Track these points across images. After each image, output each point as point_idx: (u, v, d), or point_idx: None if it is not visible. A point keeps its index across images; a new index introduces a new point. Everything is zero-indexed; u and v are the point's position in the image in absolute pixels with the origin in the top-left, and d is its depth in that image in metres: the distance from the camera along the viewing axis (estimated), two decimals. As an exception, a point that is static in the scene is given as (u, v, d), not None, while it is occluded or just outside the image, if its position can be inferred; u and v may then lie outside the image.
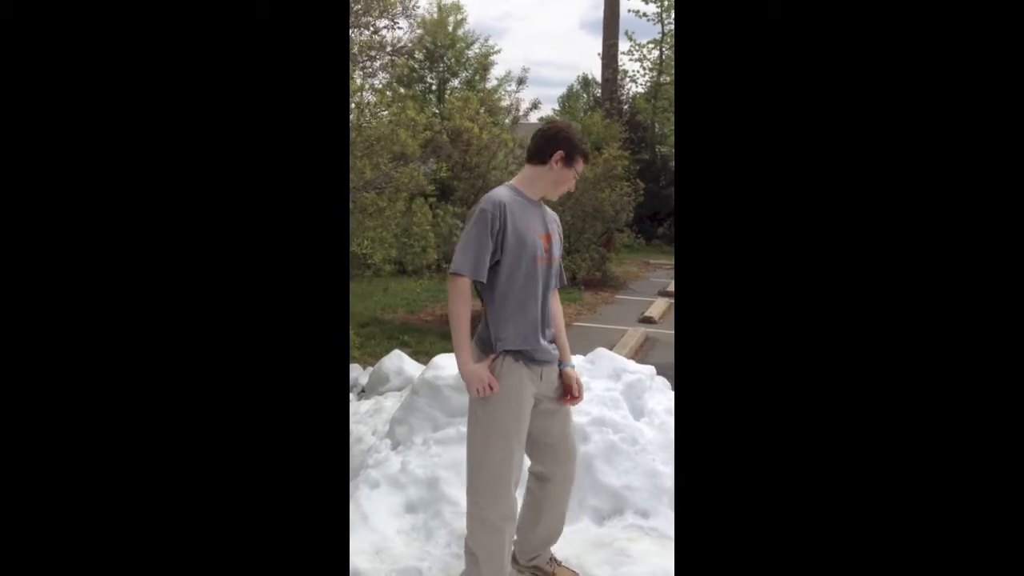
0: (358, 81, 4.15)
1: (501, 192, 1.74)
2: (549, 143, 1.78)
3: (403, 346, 4.90)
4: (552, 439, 1.86)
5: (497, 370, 1.70)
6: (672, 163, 15.42)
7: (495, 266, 1.68)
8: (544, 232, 1.76)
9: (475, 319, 1.67)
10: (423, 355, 4.51)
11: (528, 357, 1.73)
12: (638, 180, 9.03)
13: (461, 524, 2.27)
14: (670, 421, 2.68)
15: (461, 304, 1.65)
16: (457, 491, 2.39)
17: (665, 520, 2.33)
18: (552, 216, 1.85)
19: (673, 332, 6.79)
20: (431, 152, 5.10)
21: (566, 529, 2.34)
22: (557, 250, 1.81)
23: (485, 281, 1.68)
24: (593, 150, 8.50)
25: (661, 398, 2.92)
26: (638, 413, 2.82)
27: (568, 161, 1.78)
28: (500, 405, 1.70)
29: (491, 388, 1.66)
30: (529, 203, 1.77)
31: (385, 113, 4.46)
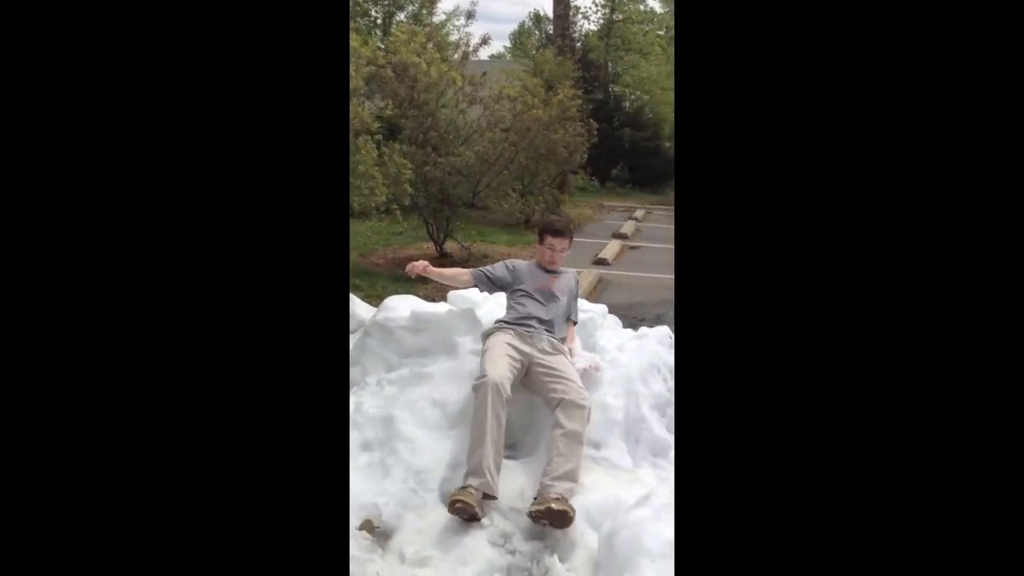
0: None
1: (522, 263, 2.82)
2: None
3: (355, 290, 4.82)
4: (554, 395, 2.33)
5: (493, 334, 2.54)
6: (625, 103, 15.32)
7: (506, 289, 2.72)
8: (540, 283, 2.67)
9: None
10: (375, 298, 4.45)
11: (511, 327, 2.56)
12: (591, 120, 8.93)
13: (417, 461, 2.30)
14: (621, 357, 2.74)
15: (459, 274, 2.78)
16: (412, 429, 2.40)
17: (616, 451, 2.41)
18: (567, 278, 2.77)
19: (626, 273, 6.89)
20: (376, 88, 4.90)
21: (522, 460, 2.40)
22: (559, 298, 2.67)
23: (477, 284, 2.73)
24: (546, 90, 8.33)
25: (612, 336, 2.97)
26: (590, 349, 2.87)
27: (540, 240, 2.75)
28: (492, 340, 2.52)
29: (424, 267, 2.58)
30: (536, 266, 2.75)
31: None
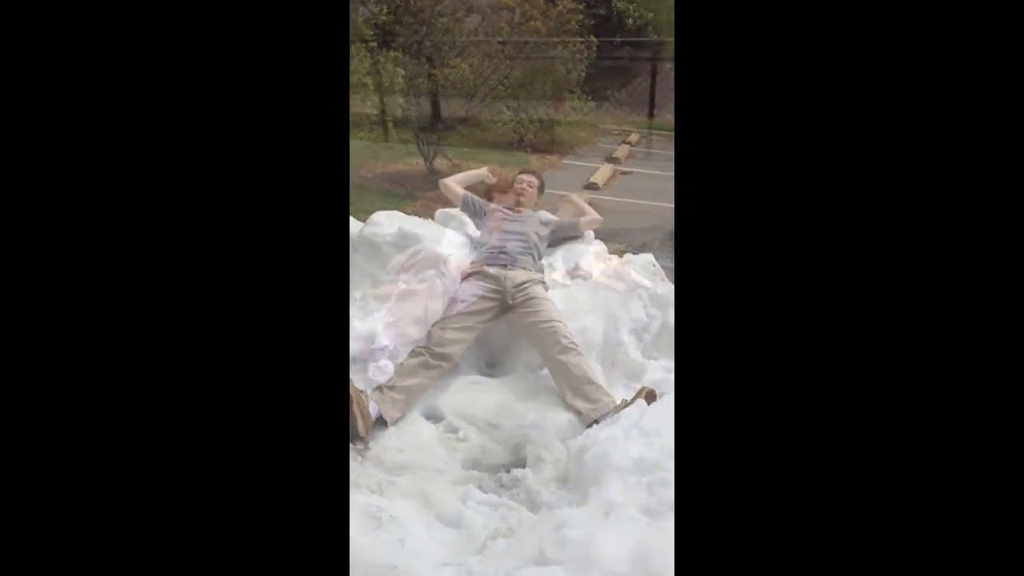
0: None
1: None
2: None
3: (342, 203, 4.78)
4: (533, 335, 2.46)
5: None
6: (628, 20, 14.71)
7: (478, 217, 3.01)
8: (504, 223, 2.84)
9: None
10: (363, 213, 4.42)
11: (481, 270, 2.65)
12: (592, 37, 8.60)
13: (398, 374, 2.37)
14: (603, 281, 2.78)
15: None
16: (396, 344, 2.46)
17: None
18: (532, 217, 2.94)
19: (616, 199, 6.85)
20: (370, -9, 4.66)
21: (500, 378, 2.48)
22: (522, 233, 2.80)
23: (460, 204, 3.07)
24: (545, 0, 7.97)
25: (595, 259, 3.00)
26: (573, 274, 2.91)
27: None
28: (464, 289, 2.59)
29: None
30: (507, 208, 2.97)
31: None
